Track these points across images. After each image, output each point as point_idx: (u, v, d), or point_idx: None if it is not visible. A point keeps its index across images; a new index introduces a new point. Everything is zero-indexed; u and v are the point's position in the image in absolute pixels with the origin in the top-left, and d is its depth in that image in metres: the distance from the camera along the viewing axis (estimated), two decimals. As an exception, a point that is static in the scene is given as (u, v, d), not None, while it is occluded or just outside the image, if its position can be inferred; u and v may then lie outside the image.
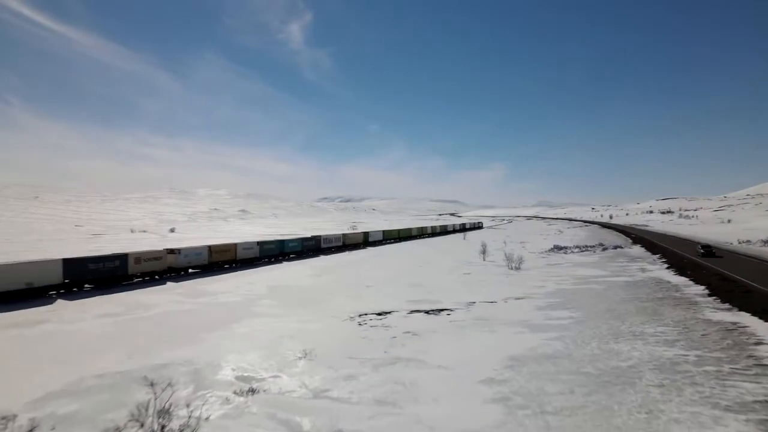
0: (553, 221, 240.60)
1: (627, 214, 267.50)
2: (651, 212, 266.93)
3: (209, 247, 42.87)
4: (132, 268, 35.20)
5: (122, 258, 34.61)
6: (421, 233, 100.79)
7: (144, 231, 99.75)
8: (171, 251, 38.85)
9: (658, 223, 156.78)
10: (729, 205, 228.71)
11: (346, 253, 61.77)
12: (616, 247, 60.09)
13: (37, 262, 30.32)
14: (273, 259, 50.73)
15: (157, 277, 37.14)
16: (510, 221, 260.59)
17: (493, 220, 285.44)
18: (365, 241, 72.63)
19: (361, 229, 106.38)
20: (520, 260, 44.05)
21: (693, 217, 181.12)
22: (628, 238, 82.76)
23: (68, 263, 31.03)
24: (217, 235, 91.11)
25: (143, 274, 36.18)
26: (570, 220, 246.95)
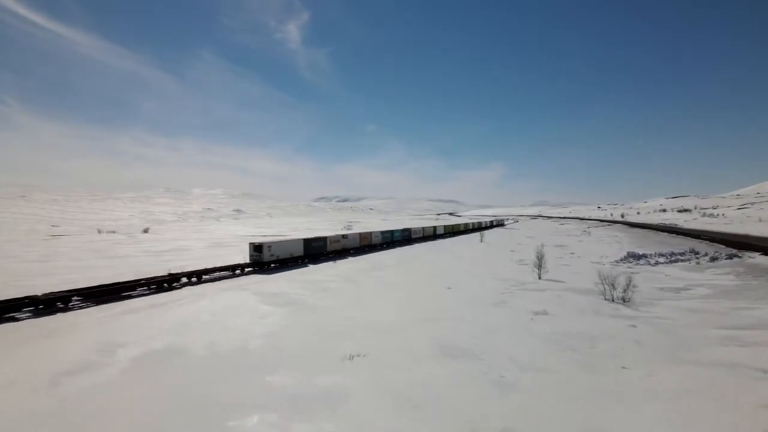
0: (563, 221, 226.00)
1: (638, 213, 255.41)
2: (664, 210, 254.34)
3: (359, 234, 59.10)
4: (329, 246, 49.30)
5: (324, 240, 48.58)
6: (465, 229, 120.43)
7: (113, 232, 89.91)
8: (344, 236, 54.04)
9: (682, 222, 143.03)
10: (751, 203, 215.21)
11: (420, 244, 74.94)
12: (731, 257, 40.62)
13: (294, 240, 43.54)
14: (386, 246, 66.93)
15: (336, 255, 51.17)
16: (516, 221, 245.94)
17: (496, 219, 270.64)
18: (434, 233, 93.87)
19: (356, 229, 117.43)
20: (629, 286, 27.66)
21: (718, 215, 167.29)
22: (698, 240, 66.42)
23: (306, 242, 44.86)
24: (198, 235, 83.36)
25: (333, 252, 50.34)
26: (581, 219, 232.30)
